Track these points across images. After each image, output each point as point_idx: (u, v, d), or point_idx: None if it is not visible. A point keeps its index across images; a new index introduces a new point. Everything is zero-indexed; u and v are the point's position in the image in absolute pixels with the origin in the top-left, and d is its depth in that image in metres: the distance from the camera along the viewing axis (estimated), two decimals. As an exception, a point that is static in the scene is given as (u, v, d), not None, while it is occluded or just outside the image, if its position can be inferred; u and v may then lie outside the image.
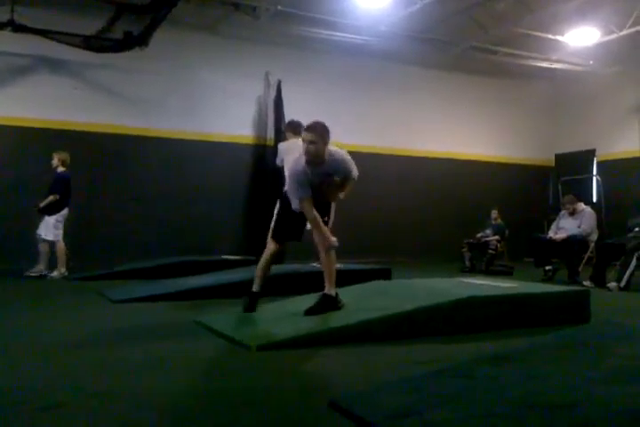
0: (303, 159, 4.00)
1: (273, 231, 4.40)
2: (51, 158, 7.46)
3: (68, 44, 8.26)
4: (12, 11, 7.78)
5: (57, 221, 7.23)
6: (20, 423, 2.15)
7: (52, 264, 7.29)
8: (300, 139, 6.14)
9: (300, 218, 4.12)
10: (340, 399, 2.32)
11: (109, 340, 3.65)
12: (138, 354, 3.26)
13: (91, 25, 8.32)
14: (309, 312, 3.86)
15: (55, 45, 8.31)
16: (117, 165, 9.21)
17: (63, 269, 7.21)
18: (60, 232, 7.28)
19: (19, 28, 7.89)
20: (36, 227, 7.27)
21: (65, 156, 7.42)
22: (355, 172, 4.26)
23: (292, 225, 4.25)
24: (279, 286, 5.56)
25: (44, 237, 7.18)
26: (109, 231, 8.99)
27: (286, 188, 4.27)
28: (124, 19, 8.20)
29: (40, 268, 7.18)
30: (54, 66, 9.04)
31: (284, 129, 6.79)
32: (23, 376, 2.78)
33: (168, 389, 2.60)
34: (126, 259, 7.95)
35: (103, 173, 9.17)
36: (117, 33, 8.28)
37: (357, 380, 2.75)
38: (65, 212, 7.31)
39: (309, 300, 4.50)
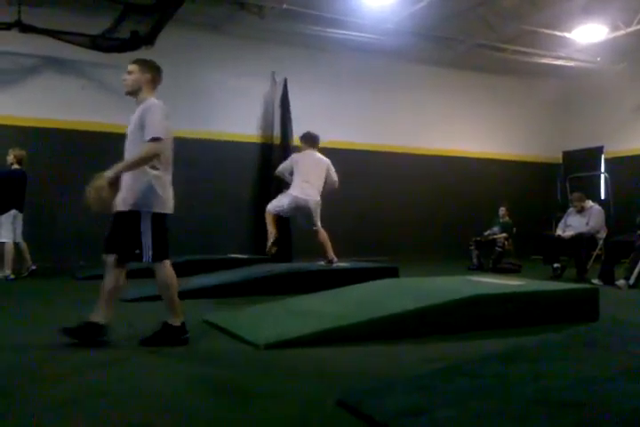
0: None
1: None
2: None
3: (75, 43, 8.29)
4: (20, 11, 7.80)
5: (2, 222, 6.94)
6: (30, 421, 2.17)
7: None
8: (315, 151, 6.26)
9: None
10: (349, 398, 2.33)
11: (117, 338, 3.66)
12: (146, 353, 3.27)
13: (97, 25, 8.33)
14: (145, 343, 3.39)
15: (62, 45, 8.34)
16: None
17: (8, 272, 6.86)
18: (8, 233, 6.94)
19: (26, 29, 7.92)
20: None
21: (21, 153, 7.14)
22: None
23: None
24: (287, 285, 5.59)
25: None
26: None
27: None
28: (130, 18, 8.21)
29: None
30: (61, 66, 9.08)
31: (300, 140, 6.75)
32: (32, 374, 2.80)
33: (176, 387, 2.62)
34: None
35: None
36: (124, 33, 8.29)
37: (366, 378, 2.75)
38: (12, 212, 6.98)
39: (317, 298, 4.52)
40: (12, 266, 6.94)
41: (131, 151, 3.52)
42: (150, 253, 3.41)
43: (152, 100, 3.51)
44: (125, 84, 3.57)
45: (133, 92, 3.57)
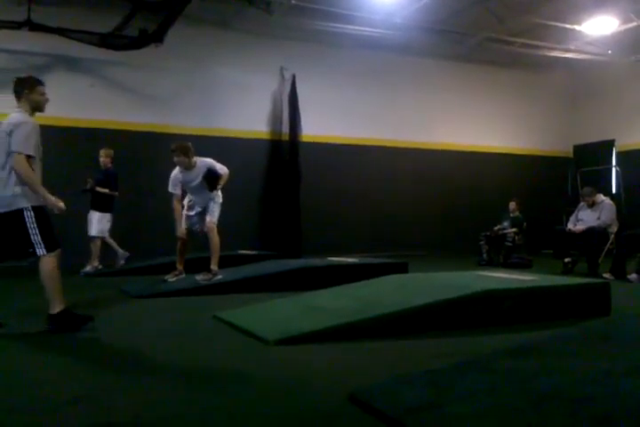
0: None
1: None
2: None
3: (84, 42, 8.33)
4: (30, 10, 7.84)
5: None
6: (46, 416, 2.19)
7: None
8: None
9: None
10: (360, 393, 2.33)
11: (128, 334, 3.69)
12: (157, 349, 3.29)
13: (106, 23, 8.37)
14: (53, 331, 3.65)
15: (71, 43, 8.38)
16: (134, 161, 9.27)
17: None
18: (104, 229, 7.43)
19: (36, 27, 7.97)
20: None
21: (111, 151, 7.61)
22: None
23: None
24: (296, 281, 5.59)
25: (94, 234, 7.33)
26: (125, 228, 9.06)
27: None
28: (139, 16, 8.23)
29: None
30: (70, 64, 9.11)
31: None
32: (46, 371, 2.82)
33: (186, 383, 2.63)
34: (143, 255, 8.01)
35: (120, 170, 9.23)
36: (133, 30, 8.31)
37: (377, 373, 2.75)
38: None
39: (327, 294, 4.52)
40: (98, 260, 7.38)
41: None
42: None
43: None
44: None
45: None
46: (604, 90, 11.90)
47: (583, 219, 7.61)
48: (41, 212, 3.72)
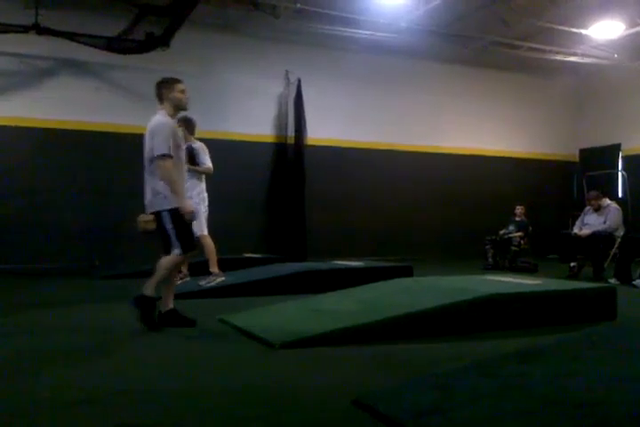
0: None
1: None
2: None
3: (91, 45, 8.37)
4: (37, 14, 7.89)
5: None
6: (50, 419, 2.20)
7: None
8: None
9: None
10: (365, 397, 2.33)
11: (132, 338, 3.70)
12: (161, 353, 3.30)
13: (113, 27, 8.40)
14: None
15: (78, 47, 8.42)
16: (140, 165, 9.30)
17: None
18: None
19: (43, 31, 8.01)
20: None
21: None
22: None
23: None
24: (301, 284, 5.59)
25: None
26: (134, 231, 9.09)
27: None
28: (145, 20, 8.27)
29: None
30: (77, 67, 9.16)
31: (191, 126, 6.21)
32: (53, 374, 2.83)
33: (191, 386, 2.63)
34: (150, 258, 8.03)
35: (125, 174, 9.26)
36: (139, 34, 8.35)
37: (381, 378, 2.75)
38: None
39: (332, 297, 4.52)
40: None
41: None
42: None
43: None
44: None
45: None
46: (609, 94, 11.88)
47: (589, 223, 7.58)
48: (176, 212, 3.85)
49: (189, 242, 3.94)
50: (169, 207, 3.84)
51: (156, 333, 3.75)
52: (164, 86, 4.01)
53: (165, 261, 3.88)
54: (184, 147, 4.27)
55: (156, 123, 3.93)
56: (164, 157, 3.80)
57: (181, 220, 3.84)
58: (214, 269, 5.75)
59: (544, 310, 4.05)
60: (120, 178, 9.16)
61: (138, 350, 3.36)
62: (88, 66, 9.18)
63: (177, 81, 4.06)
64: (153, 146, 3.86)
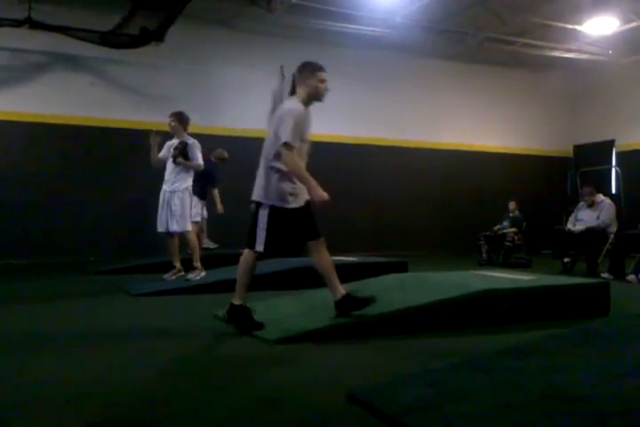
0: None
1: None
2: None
3: (84, 40, 8.33)
4: (30, 8, 7.84)
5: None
6: (48, 415, 2.20)
7: None
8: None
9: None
10: (359, 392, 2.34)
11: (128, 334, 3.69)
12: (156, 348, 3.30)
13: (107, 21, 8.35)
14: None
15: (71, 42, 8.38)
16: (134, 160, 9.28)
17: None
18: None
19: (36, 25, 7.96)
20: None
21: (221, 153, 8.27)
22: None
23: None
24: (296, 279, 5.59)
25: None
26: (129, 226, 9.08)
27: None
28: (139, 14, 8.23)
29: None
30: (71, 62, 9.12)
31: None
32: (49, 370, 2.83)
33: (186, 382, 2.64)
34: (149, 253, 8.01)
35: (120, 169, 9.24)
36: (133, 29, 8.31)
37: (376, 373, 2.76)
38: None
39: (327, 293, 4.52)
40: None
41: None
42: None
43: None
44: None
45: None
46: (604, 90, 11.91)
47: (583, 219, 7.62)
48: (277, 212, 3.62)
49: (274, 243, 3.63)
50: (270, 204, 3.60)
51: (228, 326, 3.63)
52: (306, 70, 3.72)
53: (243, 262, 3.70)
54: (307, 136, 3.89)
55: (286, 107, 3.63)
56: (286, 145, 3.50)
57: (277, 218, 3.59)
58: (197, 264, 5.93)
59: (538, 306, 4.07)
60: (114, 172, 9.15)
61: (132, 346, 3.36)
62: (82, 60, 9.13)
63: (320, 68, 3.76)
64: (279, 130, 3.55)
